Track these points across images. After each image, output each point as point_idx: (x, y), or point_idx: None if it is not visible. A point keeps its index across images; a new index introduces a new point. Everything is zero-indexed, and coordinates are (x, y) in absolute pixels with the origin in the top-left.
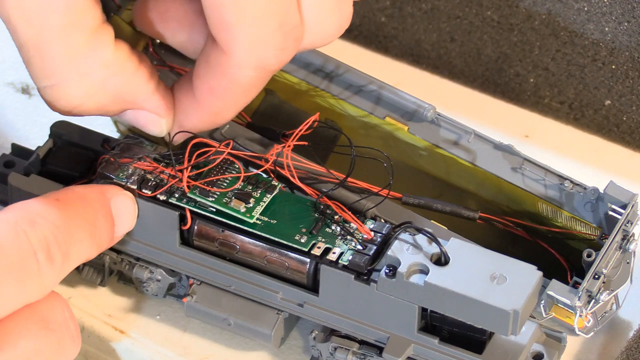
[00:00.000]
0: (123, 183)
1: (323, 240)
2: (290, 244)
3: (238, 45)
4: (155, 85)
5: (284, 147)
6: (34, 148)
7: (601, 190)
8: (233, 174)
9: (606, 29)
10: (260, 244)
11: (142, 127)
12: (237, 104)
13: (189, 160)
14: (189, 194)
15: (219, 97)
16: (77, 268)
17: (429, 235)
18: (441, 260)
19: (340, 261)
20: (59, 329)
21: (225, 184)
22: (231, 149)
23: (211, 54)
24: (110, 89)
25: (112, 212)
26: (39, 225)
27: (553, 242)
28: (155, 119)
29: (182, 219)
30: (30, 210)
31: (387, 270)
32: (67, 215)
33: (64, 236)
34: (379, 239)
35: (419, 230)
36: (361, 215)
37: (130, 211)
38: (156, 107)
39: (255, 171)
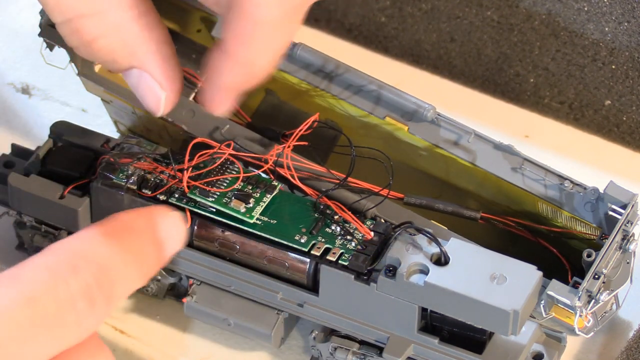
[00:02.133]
0: (122, 183)
1: (323, 240)
2: (290, 244)
3: None
4: (167, 53)
5: (284, 147)
6: (33, 148)
7: (601, 190)
8: (233, 174)
9: (606, 29)
10: (260, 244)
11: (141, 96)
12: (266, 48)
13: (189, 161)
14: (188, 194)
15: (247, 44)
16: None
17: (428, 235)
18: (441, 260)
19: (340, 261)
20: None
21: (225, 184)
22: (231, 150)
23: None
24: (123, 33)
25: (161, 236)
26: (82, 270)
27: (553, 242)
28: (156, 88)
29: None
30: (74, 252)
31: (387, 271)
32: (113, 252)
33: (109, 277)
34: (379, 239)
35: (419, 231)
36: (361, 215)
37: (180, 232)
38: (161, 74)
39: (255, 171)
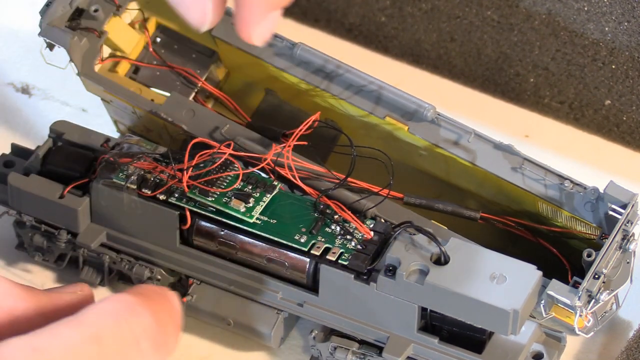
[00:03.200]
0: (122, 183)
1: (323, 240)
2: (290, 244)
3: None
4: None
5: (284, 147)
6: (33, 148)
7: (601, 190)
8: (232, 173)
9: (606, 29)
10: (260, 243)
11: (187, 6)
12: None
13: (189, 161)
14: (188, 194)
15: None
16: (77, 267)
17: (428, 235)
18: (441, 260)
19: (340, 261)
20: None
21: (225, 184)
22: (231, 150)
23: None
24: None
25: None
26: (141, 315)
27: (553, 241)
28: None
29: (182, 219)
30: (128, 301)
31: (386, 270)
32: (157, 309)
33: (162, 327)
34: (378, 239)
35: (419, 230)
36: (361, 215)
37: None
38: None
39: (253, 169)
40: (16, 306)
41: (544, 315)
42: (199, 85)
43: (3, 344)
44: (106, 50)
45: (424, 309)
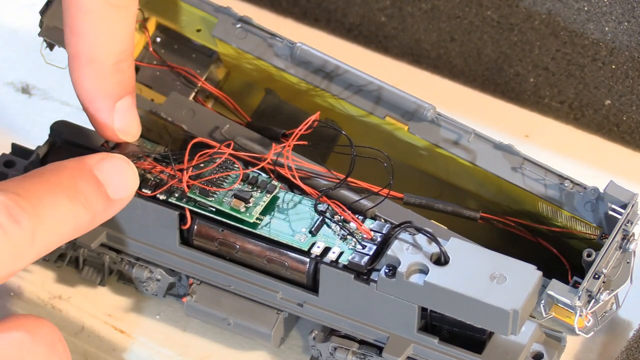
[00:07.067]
0: None
1: (323, 239)
2: (289, 244)
3: None
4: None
5: (283, 147)
6: (34, 148)
7: (601, 190)
8: (232, 173)
9: (606, 29)
10: (260, 243)
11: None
12: (97, 39)
13: (189, 161)
14: (188, 194)
15: (77, 34)
16: (77, 267)
17: (428, 235)
18: (441, 260)
19: (340, 261)
20: (50, 348)
21: (225, 184)
22: (231, 149)
23: None
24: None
25: (95, 174)
26: None
27: (553, 241)
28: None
29: (182, 219)
30: None
31: (386, 270)
32: (31, 184)
33: (28, 201)
34: (378, 239)
35: (419, 230)
36: (361, 215)
37: (124, 171)
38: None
39: (253, 169)
40: None
41: (544, 315)
42: (199, 85)
43: None
44: None
45: (424, 309)
